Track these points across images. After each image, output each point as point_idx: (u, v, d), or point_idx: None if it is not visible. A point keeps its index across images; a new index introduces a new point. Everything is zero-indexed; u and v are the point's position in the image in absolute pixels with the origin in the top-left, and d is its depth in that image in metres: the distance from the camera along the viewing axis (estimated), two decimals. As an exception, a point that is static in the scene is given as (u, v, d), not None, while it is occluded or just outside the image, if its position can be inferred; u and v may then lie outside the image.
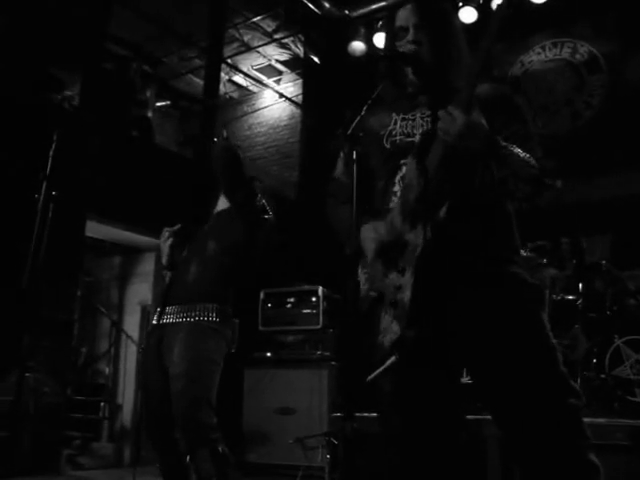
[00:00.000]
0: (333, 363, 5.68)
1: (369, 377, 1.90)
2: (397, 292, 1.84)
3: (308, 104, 9.36)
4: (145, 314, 7.87)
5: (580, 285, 5.09)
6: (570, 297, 5.08)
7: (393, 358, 1.83)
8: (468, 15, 7.23)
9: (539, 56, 7.35)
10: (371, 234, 1.97)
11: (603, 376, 4.54)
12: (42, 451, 5.34)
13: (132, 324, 8.07)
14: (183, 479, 2.91)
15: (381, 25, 7.78)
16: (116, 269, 8.44)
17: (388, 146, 2.04)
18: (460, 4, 7.23)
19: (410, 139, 2.00)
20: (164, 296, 3.15)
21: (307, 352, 5.85)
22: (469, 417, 3.38)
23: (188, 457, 2.82)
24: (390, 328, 1.84)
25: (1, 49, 5.86)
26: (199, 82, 9.30)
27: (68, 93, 6.87)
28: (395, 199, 1.97)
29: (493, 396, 1.86)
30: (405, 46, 2.01)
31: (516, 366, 1.78)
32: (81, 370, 7.85)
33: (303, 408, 5.57)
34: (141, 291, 7.95)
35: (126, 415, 7.67)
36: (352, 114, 2.59)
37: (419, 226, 1.83)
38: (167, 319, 3.03)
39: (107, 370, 8.09)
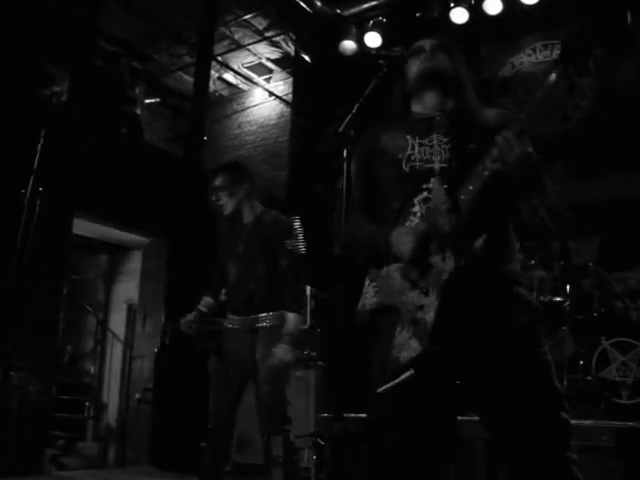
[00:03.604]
0: (320, 363, 5.66)
1: (381, 389, 1.97)
2: (418, 311, 1.94)
3: (298, 103, 9.34)
4: (131, 312, 7.82)
5: (567, 287, 5.09)
6: (557, 299, 5.08)
7: (408, 373, 1.91)
8: (459, 16, 7.23)
9: (530, 58, 7.36)
10: (404, 238, 2.01)
11: (589, 378, 4.55)
12: (26, 451, 5.29)
13: (118, 322, 8.03)
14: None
15: (372, 25, 7.79)
16: (103, 267, 8.40)
17: (407, 170, 2.10)
18: (452, 5, 7.24)
19: (429, 165, 2.08)
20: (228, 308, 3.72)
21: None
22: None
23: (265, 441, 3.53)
24: (408, 345, 1.93)
25: (-11, 44, 5.81)
26: (189, 79, 9.26)
27: (57, 89, 6.82)
28: (414, 219, 2.05)
29: (491, 404, 1.95)
30: (420, 57, 2.23)
31: (517, 381, 1.90)
32: (66, 369, 7.79)
33: (290, 408, 5.54)
34: (128, 289, 7.91)
35: (111, 414, 7.65)
36: (343, 113, 2.59)
37: (448, 252, 1.92)
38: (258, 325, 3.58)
39: (92, 369, 8.04)
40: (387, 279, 2.06)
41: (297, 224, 3.49)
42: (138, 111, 8.50)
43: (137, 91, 8.80)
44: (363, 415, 4.78)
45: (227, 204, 3.68)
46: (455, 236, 1.92)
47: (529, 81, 7.28)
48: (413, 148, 2.12)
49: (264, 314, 3.56)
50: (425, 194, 2.04)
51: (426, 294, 1.93)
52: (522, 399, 1.87)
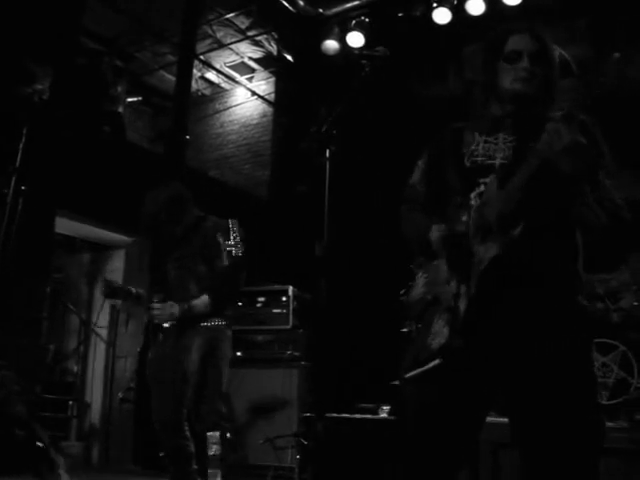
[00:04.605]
0: (303, 363, 5.68)
1: (409, 374, 2.00)
2: (454, 299, 1.95)
3: (280, 102, 9.34)
4: (115, 312, 7.79)
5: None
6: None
7: (437, 361, 1.93)
8: (442, 16, 7.26)
9: (511, 59, 7.39)
10: (439, 233, 2.08)
11: (570, 377, 4.58)
12: (9, 450, 5.25)
13: (101, 322, 7.99)
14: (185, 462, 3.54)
15: (355, 24, 7.80)
16: (86, 266, 8.35)
17: (468, 164, 2.15)
18: (434, 5, 7.27)
19: (491, 161, 2.11)
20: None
21: (277, 352, 5.84)
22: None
23: (200, 438, 3.55)
24: (441, 332, 1.94)
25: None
26: (171, 78, 9.23)
27: (39, 87, 6.77)
28: (470, 213, 2.07)
29: (518, 413, 1.92)
30: (518, 73, 2.14)
31: (561, 391, 1.84)
32: (49, 368, 7.75)
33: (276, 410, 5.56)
34: (111, 288, 7.86)
35: (95, 414, 7.60)
36: (326, 113, 2.60)
37: (489, 242, 1.93)
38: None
39: (76, 368, 8.00)
40: (436, 270, 2.09)
41: (234, 226, 3.51)
42: (120, 109, 8.46)
43: (119, 89, 8.75)
44: (346, 415, 4.80)
45: (178, 231, 3.78)
46: (496, 225, 1.93)
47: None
48: (478, 144, 2.15)
49: None
50: (482, 188, 2.07)
51: (463, 283, 1.95)
52: (562, 408, 1.82)
